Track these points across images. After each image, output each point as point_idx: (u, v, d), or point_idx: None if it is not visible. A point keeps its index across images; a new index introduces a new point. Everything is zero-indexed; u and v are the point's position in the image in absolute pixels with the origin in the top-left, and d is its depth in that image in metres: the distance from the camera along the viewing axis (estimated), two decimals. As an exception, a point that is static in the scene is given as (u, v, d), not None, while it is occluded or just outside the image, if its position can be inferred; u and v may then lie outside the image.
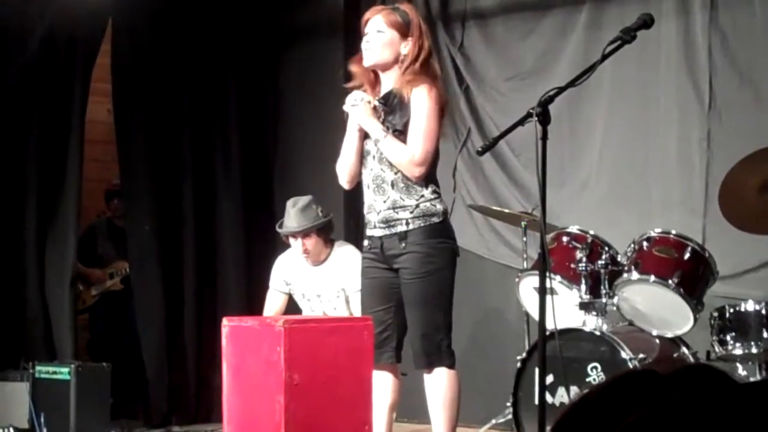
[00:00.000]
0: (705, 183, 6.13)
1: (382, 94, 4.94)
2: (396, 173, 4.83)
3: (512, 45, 7.09)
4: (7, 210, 6.94)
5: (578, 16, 6.70)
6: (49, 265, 7.00)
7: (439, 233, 4.84)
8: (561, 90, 4.04)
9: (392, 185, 4.85)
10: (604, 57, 4.03)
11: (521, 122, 4.08)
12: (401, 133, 4.81)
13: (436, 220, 4.83)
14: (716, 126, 6.16)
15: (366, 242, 5.04)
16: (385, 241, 4.88)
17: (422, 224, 4.80)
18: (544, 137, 3.94)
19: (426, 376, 4.92)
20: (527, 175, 6.79)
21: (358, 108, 4.85)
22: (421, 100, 4.79)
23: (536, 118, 3.92)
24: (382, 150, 4.83)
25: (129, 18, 7.34)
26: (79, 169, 7.11)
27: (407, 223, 4.82)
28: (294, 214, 6.17)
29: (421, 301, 4.83)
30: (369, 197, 4.94)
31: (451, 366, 4.90)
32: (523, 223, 6.06)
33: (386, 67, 4.90)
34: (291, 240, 6.24)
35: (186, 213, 7.54)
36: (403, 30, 4.86)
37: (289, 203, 6.24)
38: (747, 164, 5.16)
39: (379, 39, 4.85)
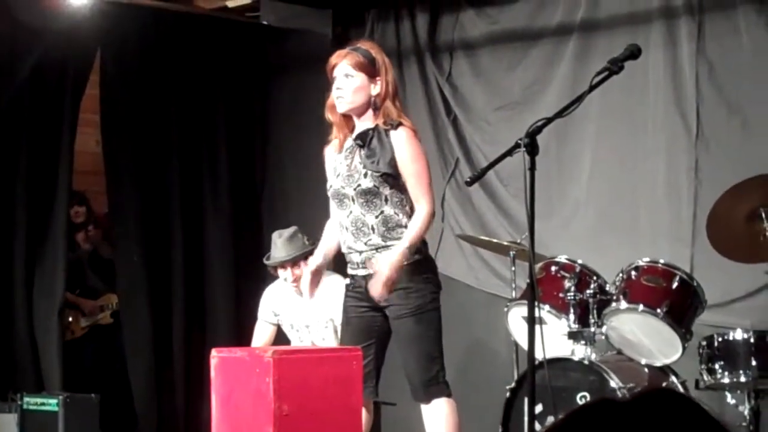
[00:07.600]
0: (693, 212, 6.14)
1: (355, 133, 4.93)
2: (377, 217, 4.84)
3: (500, 75, 7.11)
4: (-5, 241, 6.93)
5: (566, 47, 6.72)
6: (37, 296, 6.99)
7: (422, 269, 4.86)
8: (549, 121, 4.06)
9: (373, 229, 4.85)
10: (592, 87, 4.05)
11: (509, 153, 4.09)
12: (389, 176, 4.80)
13: (418, 256, 4.83)
14: (704, 155, 6.18)
15: (348, 281, 5.05)
16: (370, 281, 4.88)
17: (406, 262, 4.79)
18: (533, 167, 3.95)
19: (424, 408, 4.91)
20: (515, 205, 6.80)
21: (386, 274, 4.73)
22: (405, 145, 4.81)
23: (524, 149, 3.93)
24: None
25: (117, 49, 7.36)
26: (68, 199, 7.12)
27: None
28: (281, 245, 6.17)
29: (417, 336, 4.84)
30: (348, 239, 4.93)
31: (449, 395, 4.91)
32: (511, 253, 6.06)
33: (360, 111, 4.90)
34: (280, 271, 6.23)
35: (175, 244, 7.54)
36: (370, 71, 4.86)
37: (275, 235, 6.24)
38: (735, 193, 5.18)
39: (350, 84, 4.85)
